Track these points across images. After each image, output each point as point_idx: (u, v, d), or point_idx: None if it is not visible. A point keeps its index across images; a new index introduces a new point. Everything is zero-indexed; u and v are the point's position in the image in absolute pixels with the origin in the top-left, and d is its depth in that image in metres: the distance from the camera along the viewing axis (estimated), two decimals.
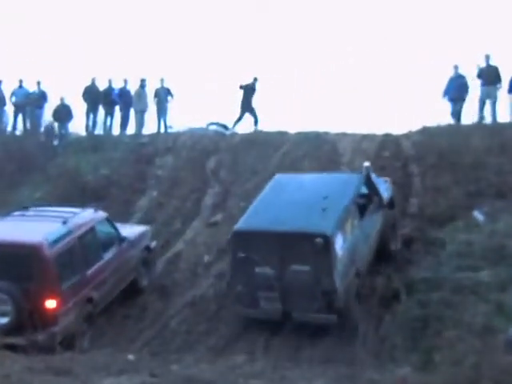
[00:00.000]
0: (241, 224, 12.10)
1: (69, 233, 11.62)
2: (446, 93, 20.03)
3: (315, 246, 10.96)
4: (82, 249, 11.77)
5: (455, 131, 18.42)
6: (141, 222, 16.93)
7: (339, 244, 11.32)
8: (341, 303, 11.14)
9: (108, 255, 12.67)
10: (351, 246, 11.74)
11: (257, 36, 54.00)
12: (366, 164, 13.41)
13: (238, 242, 11.70)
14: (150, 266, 14.29)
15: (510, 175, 15.54)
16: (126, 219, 17.02)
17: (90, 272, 11.89)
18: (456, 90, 19.83)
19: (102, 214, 12.96)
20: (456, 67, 20.17)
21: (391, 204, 14.06)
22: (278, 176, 13.72)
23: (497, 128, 18.20)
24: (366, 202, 13.08)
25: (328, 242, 11.00)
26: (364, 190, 13.14)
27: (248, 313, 12.01)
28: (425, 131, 19.00)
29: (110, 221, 13.08)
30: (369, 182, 13.27)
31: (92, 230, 12.28)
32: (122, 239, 13.16)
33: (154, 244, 14.64)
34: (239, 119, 22.34)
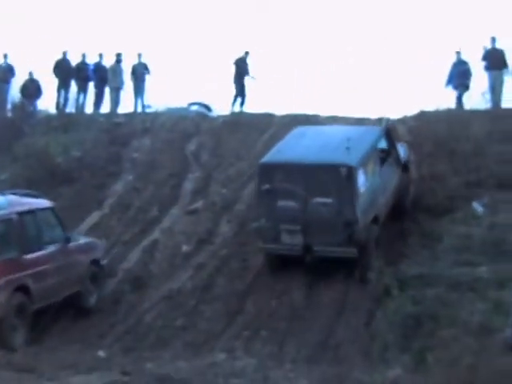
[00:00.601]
0: (266, 158, 13.36)
1: (7, 205, 11.57)
2: (450, 81, 20.22)
3: (339, 177, 12.18)
4: (20, 229, 11.55)
5: (454, 117, 18.42)
6: (115, 208, 16.86)
7: (362, 179, 12.53)
8: (361, 236, 12.31)
9: (50, 249, 12.25)
10: (371, 189, 12.88)
11: (243, 15, 53.76)
12: (387, 117, 14.69)
13: (263, 174, 12.92)
14: (99, 284, 13.52)
15: (511, 164, 15.56)
16: (98, 205, 16.98)
17: (26, 257, 11.61)
18: (459, 77, 19.99)
19: (46, 202, 12.75)
20: (458, 53, 20.33)
21: (406, 166, 14.97)
22: (298, 127, 14.81)
23: (499, 114, 18.22)
24: (384, 156, 14.12)
25: (351, 173, 12.22)
26: (383, 144, 14.20)
27: (269, 248, 13.09)
28: (422, 116, 19.02)
29: (55, 214, 12.72)
30: (388, 136, 14.36)
31: (33, 213, 12.03)
32: (67, 238, 12.67)
33: (105, 262, 13.95)
34: (235, 98, 22.23)
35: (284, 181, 12.52)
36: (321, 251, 12.48)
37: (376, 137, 13.99)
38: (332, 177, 12.28)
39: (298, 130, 14.54)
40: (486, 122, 17.52)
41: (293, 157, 12.96)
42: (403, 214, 14.66)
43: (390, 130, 14.44)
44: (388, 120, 14.71)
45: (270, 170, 12.87)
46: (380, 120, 15.49)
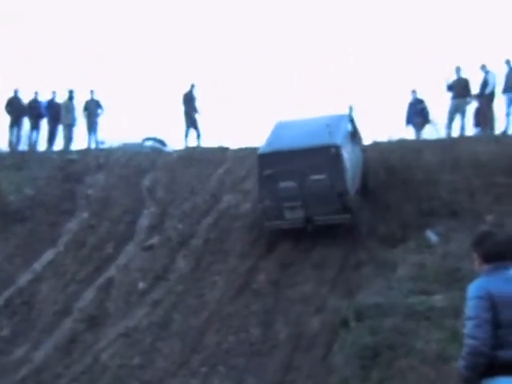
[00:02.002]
0: (263, 148, 15.41)
1: None
2: (408, 120, 20.57)
3: (329, 156, 14.44)
4: None
5: (407, 146, 18.63)
6: (69, 246, 16.67)
7: (346, 155, 14.81)
8: (352, 203, 14.59)
9: None
10: (351, 165, 15.05)
11: (191, 46, 54.15)
12: (351, 105, 17.45)
13: (263, 162, 14.95)
14: None
15: (463, 193, 15.76)
16: (52, 243, 16.76)
17: None
18: (417, 116, 20.37)
19: None
20: (414, 92, 20.77)
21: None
22: (278, 122, 16.50)
23: (449, 143, 18.47)
24: (352, 137, 16.27)
25: (339, 152, 14.57)
26: (350, 127, 16.49)
27: (275, 225, 15.11)
28: (375, 146, 19.20)
29: None
30: (352, 121, 16.75)
31: None
32: None
33: None
34: (187, 133, 22.18)
35: (282, 165, 14.59)
36: (320, 220, 14.67)
37: (346, 122, 16.34)
38: (323, 156, 14.47)
39: (280, 124, 16.32)
40: (437, 150, 17.74)
41: (286, 144, 15.01)
42: (368, 192, 16.34)
43: (353, 115, 16.88)
44: (352, 107, 17.42)
45: (268, 158, 14.87)
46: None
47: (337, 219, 14.78)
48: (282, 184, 14.69)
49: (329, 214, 14.61)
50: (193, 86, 22.25)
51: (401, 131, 20.73)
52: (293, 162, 14.57)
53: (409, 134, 20.81)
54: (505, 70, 19.48)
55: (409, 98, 21.04)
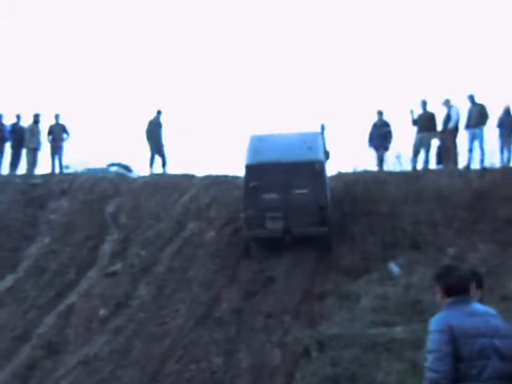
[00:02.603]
0: (250, 159, 15.96)
1: None
2: (370, 142, 20.49)
3: (313, 171, 15.47)
4: None
5: (371, 178, 18.80)
6: (30, 271, 16.47)
7: (326, 172, 15.93)
8: (330, 217, 15.45)
9: None
10: (328, 180, 16.08)
11: (157, 69, 54.26)
12: (323, 123, 18.11)
13: (249, 174, 15.71)
14: None
15: (425, 225, 15.95)
16: (13, 268, 16.56)
17: None
18: (380, 139, 20.32)
19: None
20: (380, 113, 20.64)
21: None
22: (253, 136, 16.72)
23: (413, 175, 18.67)
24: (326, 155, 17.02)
25: (322, 167, 15.73)
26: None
27: (256, 233, 15.70)
28: (340, 177, 19.33)
29: None
30: (323, 138, 17.27)
31: None
32: None
33: None
34: (152, 160, 21.98)
35: (267, 177, 15.52)
36: (299, 232, 15.38)
37: (321, 138, 16.93)
38: (307, 171, 15.52)
39: (256, 138, 16.64)
40: (401, 183, 17.93)
41: (271, 157, 15.78)
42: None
43: (323, 133, 17.63)
44: (324, 125, 18.05)
45: (254, 170, 15.70)
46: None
47: (315, 231, 15.44)
48: (266, 195, 15.57)
49: (308, 226, 15.31)
50: (159, 113, 22.14)
51: (364, 159, 20.67)
52: (277, 175, 15.52)
53: (371, 157, 20.72)
54: (467, 105, 19.74)
55: (374, 119, 20.88)
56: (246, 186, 15.83)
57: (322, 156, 16.07)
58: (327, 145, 17.60)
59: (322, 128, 17.99)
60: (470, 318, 5.24)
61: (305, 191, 15.50)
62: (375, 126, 20.61)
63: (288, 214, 15.44)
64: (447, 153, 19.69)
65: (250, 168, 15.85)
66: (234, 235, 16.82)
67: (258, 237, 15.89)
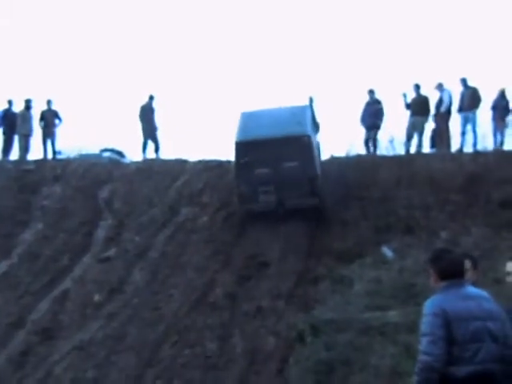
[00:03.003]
0: (239, 136, 16.18)
1: None
2: (362, 120, 20.30)
3: (302, 145, 15.86)
4: None
5: (363, 162, 18.77)
6: (23, 257, 16.46)
7: (314, 144, 16.39)
8: (320, 188, 15.92)
9: None
10: (317, 152, 16.66)
11: (148, 54, 54.11)
12: (311, 96, 18.76)
13: (239, 150, 15.97)
14: None
15: (419, 209, 15.96)
16: (6, 254, 16.54)
17: None
18: (371, 117, 20.16)
19: None
20: (372, 92, 20.47)
21: None
22: (243, 112, 17.03)
23: (406, 160, 18.66)
24: (314, 127, 17.59)
25: (310, 141, 16.06)
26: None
27: (249, 208, 16.23)
28: (332, 161, 19.30)
29: None
30: (312, 111, 17.87)
31: None
32: None
33: None
34: (145, 145, 21.89)
35: (257, 153, 15.79)
36: (291, 204, 15.85)
37: (310, 112, 17.42)
38: (296, 145, 15.83)
39: (247, 114, 16.94)
40: (394, 167, 17.92)
41: (260, 133, 16.06)
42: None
43: (313, 106, 18.27)
44: (312, 98, 18.77)
45: (244, 146, 15.96)
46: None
47: (306, 203, 15.96)
48: (257, 170, 15.91)
49: (299, 198, 15.85)
50: (151, 98, 22.03)
51: (358, 140, 20.54)
52: (267, 150, 15.77)
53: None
54: (460, 88, 19.70)
55: (366, 98, 20.55)
56: (237, 163, 16.20)
57: (310, 130, 16.47)
58: (317, 116, 18.19)
59: (311, 100, 18.54)
60: (463, 301, 5.26)
61: (294, 164, 15.85)
62: (367, 104, 20.42)
63: (279, 187, 15.87)
64: (440, 136, 19.68)
65: (239, 145, 16.13)
66: (227, 220, 16.83)
67: (252, 211, 16.31)
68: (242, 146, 16.08)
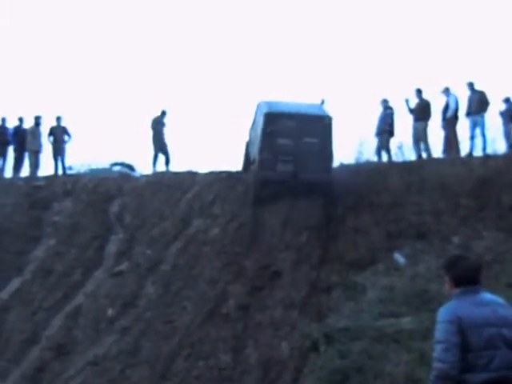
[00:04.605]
0: (269, 109, 17.45)
1: None
2: (378, 131, 20.30)
3: (323, 125, 17.08)
4: None
5: (373, 169, 18.69)
6: (36, 273, 16.46)
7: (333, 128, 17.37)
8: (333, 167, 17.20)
9: None
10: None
11: (158, 68, 54.22)
12: (323, 98, 19.99)
13: (267, 121, 17.06)
14: None
15: (430, 215, 15.81)
16: (19, 271, 16.54)
17: None
18: (381, 123, 20.13)
19: None
20: (385, 101, 20.42)
21: None
22: (261, 101, 18.47)
23: (416, 165, 18.56)
24: None
25: (331, 122, 17.19)
26: None
27: (267, 174, 17.12)
28: (342, 169, 19.23)
29: None
30: None
31: None
32: None
33: None
34: (155, 158, 21.92)
35: (283, 125, 16.99)
36: (305, 177, 16.75)
37: (324, 107, 19.04)
38: (318, 124, 17.13)
39: (265, 102, 18.18)
40: (403, 173, 17.82)
41: (288, 109, 17.61)
42: None
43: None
44: (324, 100, 19.94)
45: (273, 117, 17.12)
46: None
47: (320, 177, 16.85)
48: (280, 140, 17.01)
49: (313, 172, 16.78)
50: (164, 113, 22.12)
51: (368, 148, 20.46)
52: (292, 124, 17.08)
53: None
54: (467, 93, 19.61)
55: (379, 109, 20.43)
56: (264, 132, 17.15)
57: (330, 116, 17.51)
58: None
59: (322, 102, 19.59)
60: (478, 307, 5.19)
61: (314, 140, 17.04)
62: (381, 113, 20.44)
63: (298, 159, 16.91)
64: (448, 141, 19.58)
65: (268, 115, 17.19)
66: (238, 231, 16.75)
67: (269, 179, 17.19)
68: (270, 117, 17.17)
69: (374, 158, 20.18)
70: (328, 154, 17.08)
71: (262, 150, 17.24)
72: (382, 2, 55.81)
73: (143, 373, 12.53)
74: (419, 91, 20.02)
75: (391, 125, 20.32)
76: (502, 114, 19.45)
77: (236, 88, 56.79)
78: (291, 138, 17.12)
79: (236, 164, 19.77)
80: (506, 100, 19.52)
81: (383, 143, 20.27)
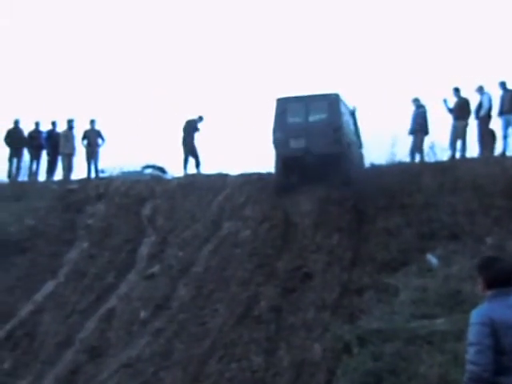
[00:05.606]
0: (280, 97, 18.64)
1: None
2: (412, 130, 20.28)
3: (331, 101, 18.30)
4: None
5: (405, 169, 18.61)
6: (70, 276, 16.62)
7: (343, 107, 18.66)
8: (343, 137, 18.09)
9: None
10: (345, 122, 18.73)
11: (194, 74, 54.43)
12: (355, 106, 20.56)
13: (279, 104, 18.40)
14: None
15: (463, 215, 15.69)
16: (53, 274, 16.71)
17: None
18: (414, 122, 20.12)
19: None
20: (416, 100, 20.40)
21: None
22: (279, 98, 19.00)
23: (448, 165, 18.45)
24: (350, 114, 20.10)
25: (338, 98, 18.42)
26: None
27: (282, 151, 18.30)
28: (373, 170, 19.18)
29: None
30: (355, 121, 20.47)
31: None
32: None
33: None
34: (186, 161, 22.03)
35: (293, 107, 18.42)
36: (317, 151, 17.52)
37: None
38: (325, 101, 18.39)
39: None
40: (436, 173, 17.72)
41: (297, 95, 18.78)
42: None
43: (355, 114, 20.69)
44: (355, 108, 20.49)
45: (283, 102, 18.44)
46: None
47: (331, 149, 17.62)
48: (290, 119, 18.35)
49: (324, 146, 17.60)
50: (200, 118, 22.23)
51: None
52: (300, 105, 18.43)
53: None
54: (500, 92, 19.45)
55: (411, 109, 20.60)
56: (276, 114, 18.37)
57: (337, 93, 18.63)
58: (359, 129, 20.58)
59: (354, 110, 20.31)
60: (510, 310, 5.16)
61: (322, 116, 18.27)
62: (414, 112, 20.42)
63: (308, 135, 18.01)
64: (483, 140, 19.44)
65: (280, 100, 18.52)
66: (269, 233, 16.75)
67: (284, 156, 18.29)
68: (280, 102, 18.47)
69: (407, 159, 20.11)
70: (336, 127, 17.98)
71: (274, 130, 18.33)
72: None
73: (176, 375, 12.58)
74: (457, 90, 19.95)
75: (425, 124, 20.26)
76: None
77: (267, 90, 56.78)
78: (301, 117, 18.43)
79: (266, 165, 19.76)
80: None
81: (417, 143, 20.21)
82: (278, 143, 18.36)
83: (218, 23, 60.49)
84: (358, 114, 20.53)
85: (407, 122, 20.55)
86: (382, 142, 19.52)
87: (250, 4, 58.71)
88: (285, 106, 18.53)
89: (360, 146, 20.48)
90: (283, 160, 18.45)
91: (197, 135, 22.12)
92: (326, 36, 58.60)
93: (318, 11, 57.60)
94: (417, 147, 20.21)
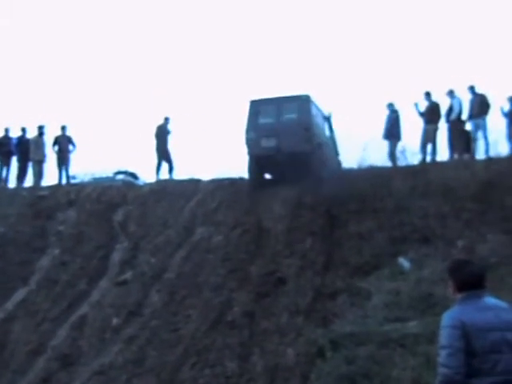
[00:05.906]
0: (253, 99, 19.19)
1: None
2: (386, 135, 20.40)
3: (301, 102, 18.83)
4: None
5: (377, 174, 18.66)
6: (41, 283, 16.48)
7: (314, 109, 19.16)
8: (314, 137, 18.48)
9: None
10: (316, 122, 19.22)
11: (159, 75, 54.26)
12: (330, 111, 20.88)
13: (252, 106, 18.97)
14: None
15: (434, 219, 15.80)
16: (24, 281, 16.56)
17: None
18: (387, 127, 20.25)
19: None
20: (391, 105, 20.52)
21: None
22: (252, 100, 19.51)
23: (419, 169, 18.56)
24: (324, 119, 20.49)
25: (309, 99, 18.90)
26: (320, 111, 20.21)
27: (254, 151, 18.73)
28: (344, 175, 19.24)
29: None
30: (331, 126, 20.89)
31: None
32: None
33: None
34: (159, 166, 21.97)
35: (265, 107, 18.98)
36: (288, 150, 18.09)
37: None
38: (296, 102, 18.90)
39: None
40: (407, 177, 17.81)
41: (269, 97, 19.23)
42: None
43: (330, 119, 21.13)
44: (330, 113, 20.88)
45: (256, 104, 19.00)
46: None
47: (301, 148, 18.09)
48: (263, 120, 18.87)
49: (295, 144, 18.13)
50: (167, 120, 22.16)
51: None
52: (273, 106, 18.99)
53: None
54: (469, 96, 19.63)
55: (386, 112, 20.74)
56: (249, 115, 18.96)
57: (308, 94, 19.12)
58: (335, 134, 20.90)
59: (329, 116, 20.65)
60: (481, 312, 5.21)
61: (293, 116, 18.69)
62: (387, 117, 20.56)
63: (279, 134, 18.49)
64: (453, 144, 19.60)
65: (253, 102, 19.11)
66: (242, 238, 16.75)
67: (256, 155, 18.76)
68: (253, 103, 19.05)
69: (387, 163, 20.19)
70: (307, 126, 18.48)
71: (247, 131, 18.85)
72: (385, 4, 55.83)
73: (149, 381, 12.53)
74: (428, 94, 20.12)
75: (397, 129, 20.39)
76: (506, 114, 19.44)
77: (239, 95, 56.85)
78: (272, 117, 18.88)
79: (238, 170, 19.80)
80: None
81: (391, 148, 20.33)
82: (250, 143, 18.84)
83: (188, 28, 60.47)
84: (333, 120, 20.78)
85: (381, 127, 20.71)
86: (354, 145, 19.66)
87: (221, 8, 58.70)
88: (257, 107, 19.08)
89: (336, 152, 20.83)
90: (255, 159, 18.90)
91: (170, 138, 22.07)
92: (302, 41, 58.80)
93: (294, 16, 57.82)
94: (391, 152, 20.34)
